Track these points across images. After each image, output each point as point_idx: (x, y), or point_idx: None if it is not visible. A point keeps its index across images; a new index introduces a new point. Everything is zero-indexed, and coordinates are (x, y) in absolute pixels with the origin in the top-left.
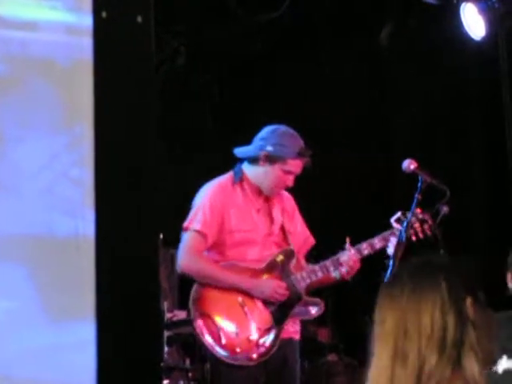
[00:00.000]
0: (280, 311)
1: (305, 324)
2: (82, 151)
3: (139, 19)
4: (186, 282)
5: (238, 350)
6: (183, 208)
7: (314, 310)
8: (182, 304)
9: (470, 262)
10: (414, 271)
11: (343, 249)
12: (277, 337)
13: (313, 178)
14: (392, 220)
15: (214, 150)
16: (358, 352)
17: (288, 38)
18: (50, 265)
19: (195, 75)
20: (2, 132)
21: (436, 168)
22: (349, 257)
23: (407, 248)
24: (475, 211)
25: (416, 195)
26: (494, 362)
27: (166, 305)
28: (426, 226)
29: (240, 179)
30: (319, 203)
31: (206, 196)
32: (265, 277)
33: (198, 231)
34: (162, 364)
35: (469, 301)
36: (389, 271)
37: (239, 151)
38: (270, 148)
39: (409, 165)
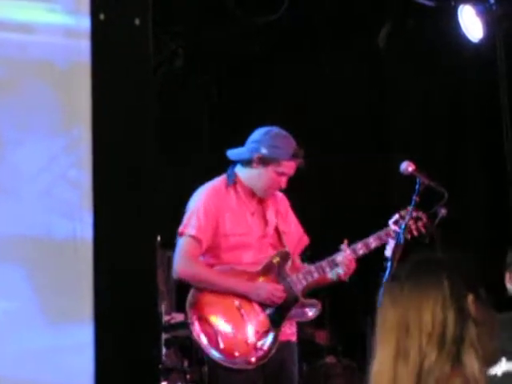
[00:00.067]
0: (277, 313)
1: (302, 326)
2: (80, 153)
3: (137, 21)
4: (183, 285)
5: (236, 353)
6: (181, 210)
7: (311, 312)
8: (180, 306)
9: (470, 262)
10: (416, 268)
11: (339, 249)
12: (275, 339)
13: (312, 178)
14: (390, 222)
15: (212, 151)
16: (356, 354)
17: (286, 40)
18: (49, 267)
19: (193, 77)
20: (0, 134)
21: (434, 169)
22: (344, 257)
23: (405, 250)
24: (473, 212)
25: (414, 197)
26: (496, 360)
27: (163, 307)
28: (420, 224)
29: (233, 182)
30: (318, 203)
31: (199, 200)
32: (261, 279)
33: (192, 236)
34: (160, 366)
35: (470, 298)
36: (387, 273)
37: (232, 154)
38: (263, 150)
39: (407, 167)
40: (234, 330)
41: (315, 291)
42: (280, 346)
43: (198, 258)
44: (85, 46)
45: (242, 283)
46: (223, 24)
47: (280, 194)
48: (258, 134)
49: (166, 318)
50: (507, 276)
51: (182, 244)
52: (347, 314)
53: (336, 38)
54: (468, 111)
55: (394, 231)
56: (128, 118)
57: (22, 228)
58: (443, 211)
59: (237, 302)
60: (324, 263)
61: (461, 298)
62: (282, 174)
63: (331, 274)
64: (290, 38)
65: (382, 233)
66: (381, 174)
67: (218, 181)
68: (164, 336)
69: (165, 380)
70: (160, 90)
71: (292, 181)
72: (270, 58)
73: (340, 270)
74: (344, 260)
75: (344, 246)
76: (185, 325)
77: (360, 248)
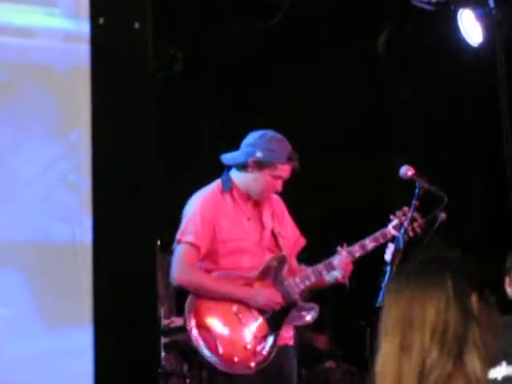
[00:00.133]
0: (275, 318)
1: (302, 331)
2: (80, 157)
3: (136, 25)
4: (183, 289)
5: (235, 359)
6: (180, 215)
7: (309, 316)
8: (180, 310)
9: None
10: (421, 267)
11: (336, 252)
12: (274, 344)
13: (312, 178)
14: (389, 227)
15: (212, 156)
16: (355, 358)
17: (285, 44)
18: (48, 271)
19: (192, 82)
20: None
21: (434, 173)
22: (340, 260)
23: (404, 254)
24: (473, 216)
25: (413, 201)
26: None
27: (163, 311)
28: (415, 225)
29: (229, 188)
30: (318, 203)
31: (196, 207)
32: (258, 284)
33: (190, 243)
34: (159, 370)
35: (474, 298)
36: (386, 277)
37: (227, 158)
38: (259, 154)
39: (406, 171)
40: (232, 335)
41: (314, 296)
42: (278, 351)
43: (195, 264)
44: (84, 50)
45: (240, 289)
46: (222, 29)
47: (275, 196)
48: (252, 137)
49: (165, 322)
50: (507, 280)
51: (180, 251)
52: (347, 319)
53: (335, 42)
54: (468, 115)
55: (394, 235)
56: (127, 123)
57: (21, 233)
58: (443, 215)
59: (235, 308)
60: (321, 266)
61: (464, 297)
62: (277, 177)
63: (328, 277)
64: (288, 42)
65: (378, 234)
66: (381, 174)
67: (214, 186)
68: (163, 340)
69: None
70: (159, 95)
71: (292, 181)
72: (269, 63)
73: (337, 273)
74: (340, 263)
75: (341, 249)
76: (184, 329)
77: (357, 250)
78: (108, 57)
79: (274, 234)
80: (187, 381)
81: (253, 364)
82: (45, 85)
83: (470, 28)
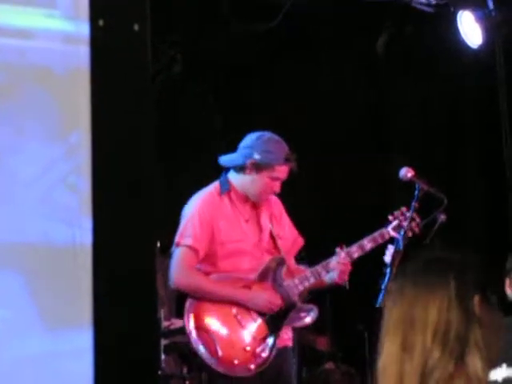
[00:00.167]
0: (275, 320)
1: (302, 332)
2: (79, 159)
3: (136, 27)
4: (182, 292)
5: (235, 361)
6: (180, 216)
7: (308, 317)
8: (180, 312)
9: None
10: (425, 267)
11: (334, 253)
12: (273, 346)
13: (312, 178)
14: (389, 228)
15: (211, 158)
16: (355, 360)
17: (284, 47)
18: (47, 273)
19: (192, 84)
20: None
21: (433, 175)
22: (338, 261)
23: (404, 256)
24: (472, 218)
25: (413, 203)
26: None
27: (163, 313)
28: (413, 224)
29: (227, 190)
30: (318, 203)
31: (194, 209)
32: (257, 286)
33: (189, 246)
34: (159, 372)
35: (477, 299)
36: (386, 279)
37: (224, 160)
38: (256, 156)
39: (406, 173)
40: (232, 337)
41: (314, 298)
42: (278, 352)
43: (194, 267)
44: (84, 51)
45: (239, 292)
46: (222, 29)
47: (274, 197)
48: (249, 139)
49: (165, 323)
50: (507, 282)
51: (179, 254)
52: (347, 321)
53: (335, 43)
54: (467, 117)
55: (394, 237)
56: (127, 124)
57: (21, 234)
58: (442, 217)
59: (234, 310)
60: (319, 268)
61: (466, 298)
62: (275, 178)
63: (327, 278)
64: (288, 42)
65: (376, 234)
66: (381, 175)
67: (212, 188)
68: (163, 342)
69: None
70: (158, 97)
71: (292, 181)
72: (269, 63)
73: (333, 275)
74: (337, 265)
75: (339, 250)
76: (184, 331)
77: (355, 251)
78: (107, 59)
79: (272, 236)
80: (187, 383)
81: (252, 366)
82: (44, 86)
83: (470, 30)
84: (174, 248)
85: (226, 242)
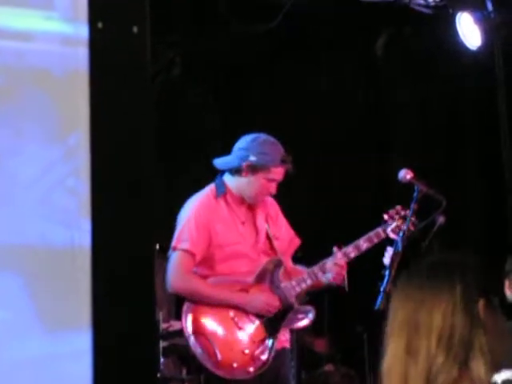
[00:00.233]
0: (272, 322)
1: (301, 335)
2: (78, 161)
3: (135, 30)
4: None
5: (234, 365)
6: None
7: (306, 319)
8: (179, 314)
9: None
10: (430, 270)
11: (331, 253)
12: (272, 348)
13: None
14: (388, 230)
15: (211, 159)
16: (354, 362)
17: (284, 47)
18: (46, 275)
19: (191, 85)
20: None
21: (432, 176)
22: (334, 261)
23: (403, 258)
24: (471, 220)
25: (412, 205)
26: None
27: (161, 315)
28: (409, 223)
29: (223, 193)
30: (318, 203)
31: (190, 212)
32: (255, 289)
33: (186, 250)
34: (158, 375)
35: (481, 303)
36: (385, 281)
37: (220, 162)
38: (252, 158)
39: (405, 175)
40: (230, 340)
41: (313, 300)
42: (276, 354)
43: (191, 271)
44: (82, 54)
45: (237, 295)
46: (221, 30)
47: (270, 198)
48: (244, 141)
49: (164, 325)
50: (506, 283)
51: (176, 258)
52: (346, 323)
53: (335, 43)
54: (466, 119)
55: (393, 239)
56: (126, 126)
57: (19, 236)
58: (441, 219)
59: (232, 313)
60: (316, 269)
61: (471, 302)
62: (271, 180)
63: (324, 279)
64: (288, 43)
65: (372, 234)
66: (380, 175)
67: (207, 191)
68: (162, 344)
69: None
70: (158, 99)
71: (292, 181)
72: (269, 65)
73: (329, 275)
74: (333, 266)
75: (336, 250)
76: (183, 333)
77: (351, 251)
78: (106, 61)
79: (268, 237)
80: None
81: (251, 369)
82: (43, 88)
83: (469, 31)
84: (170, 252)
85: (222, 245)
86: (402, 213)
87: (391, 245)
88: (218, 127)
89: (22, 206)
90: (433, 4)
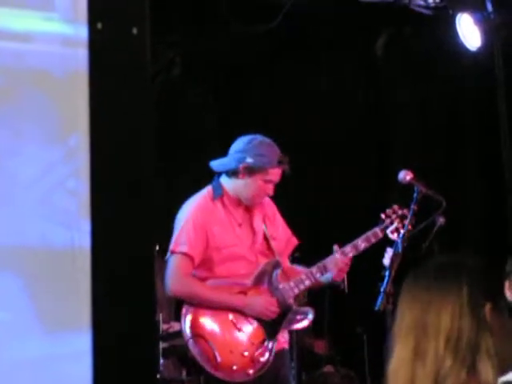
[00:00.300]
0: (272, 324)
1: (301, 336)
2: (78, 162)
3: (135, 30)
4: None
5: (234, 367)
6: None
7: (305, 320)
8: (179, 315)
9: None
10: (437, 271)
11: (331, 253)
12: (271, 350)
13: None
14: (388, 231)
15: (211, 159)
16: (354, 363)
17: (284, 47)
18: (46, 275)
19: (191, 85)
20: None
21: (432, 177)
22: (334, 262)
23: (403, 259)
24: (471, 220)
25: (412, 206)
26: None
27: (161, 316)
28: (406, 222)
29: (220, 195)
30: (318, 203)
31: (188, 215)
32: (253, 291)
33: (184, 254)
34: (158, 376)
35: (488, 306)
36: (385, 282)
37: (216, 164)
38: (249, 159)
39: (405, 176)
40: (229, 343)
41: (313, 301)
42: (275, 355)
43: (190, 274)
44: (82, 54)
45: (235, 298)
46: (221, 30)
47: (267, 199)
48: (241, 143)
49: (164, 326)
50: (507, 284)
51: (174, 262)
52: (345, 324)
53: (335, 43)
54: (466, 119)
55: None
56: (126, 127)
57: (19, 237)
58: (441, 220)
59: (231, 316)
60: (314, 269)
61: (478, 305)
62: (268, 181)
63: (323, 279)
64: (288, 43)
65: (369, 234)
66: (380, 175)
67: (204, 193)
68: (162, 345)
69: None
70: (158, 99)
71: (291, 182)
72: (269, 65)
73: (329, 276)
74: (334, 264)
75: (336, 247)
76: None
77: (349, 251)
78: (106, 61)
79: (265, 238)
80: None
81: (251, 371)
82: (43, 89)
83: (469, 32)
84: (168, 255)
85: (220, 247)
86: (400, 212)
87: (391, 246)
88: (217, 127)
89: (21, 207)
90: (433, 5)
